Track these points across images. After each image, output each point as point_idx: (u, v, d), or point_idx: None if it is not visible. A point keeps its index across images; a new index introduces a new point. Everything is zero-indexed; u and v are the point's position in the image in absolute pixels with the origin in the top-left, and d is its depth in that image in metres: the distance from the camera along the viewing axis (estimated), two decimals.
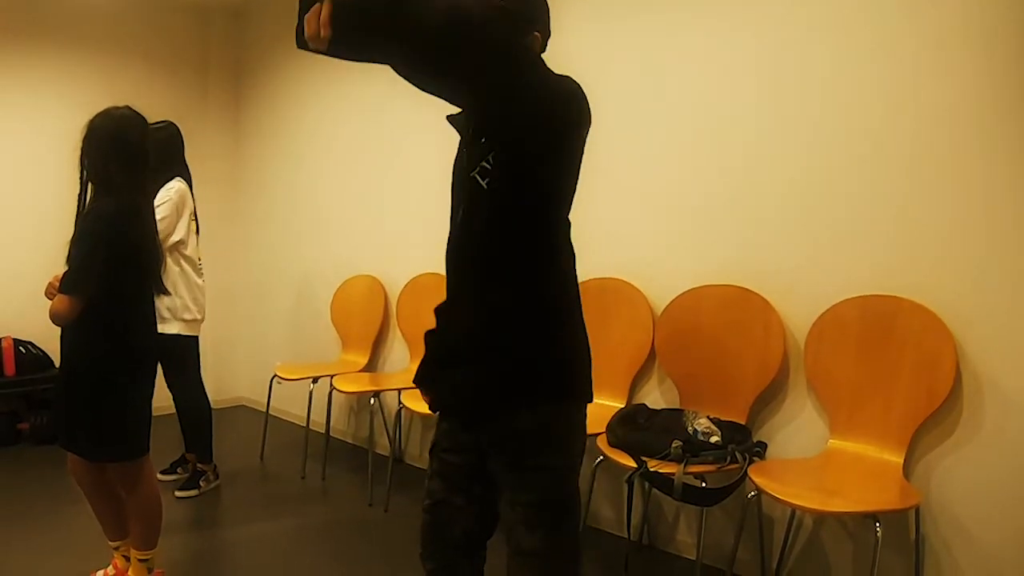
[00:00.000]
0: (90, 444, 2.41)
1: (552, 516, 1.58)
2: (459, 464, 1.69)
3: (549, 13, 1.67)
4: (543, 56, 1.60)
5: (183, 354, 3.62)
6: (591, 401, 1.65)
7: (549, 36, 1.67)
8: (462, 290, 1.61)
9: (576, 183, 1.58)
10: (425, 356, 1.71)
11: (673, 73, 3.00)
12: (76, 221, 2.39)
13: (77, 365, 2.38)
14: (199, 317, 3.66)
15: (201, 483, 3.70)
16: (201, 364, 3.75)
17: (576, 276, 1.63)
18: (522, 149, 1.49)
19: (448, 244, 1.66)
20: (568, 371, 1.61)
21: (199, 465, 3.73)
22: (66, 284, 2.28)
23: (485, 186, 1.51)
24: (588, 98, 1.52)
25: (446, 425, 1.72)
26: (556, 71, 1.50)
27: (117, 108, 2.43)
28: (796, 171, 2.68)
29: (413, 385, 1.76)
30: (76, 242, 2.32)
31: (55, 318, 2.28)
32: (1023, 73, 2.18)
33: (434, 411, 1.72)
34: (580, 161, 1.58)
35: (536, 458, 1.57)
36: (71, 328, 2.34)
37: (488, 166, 1.51)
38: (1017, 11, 2.19)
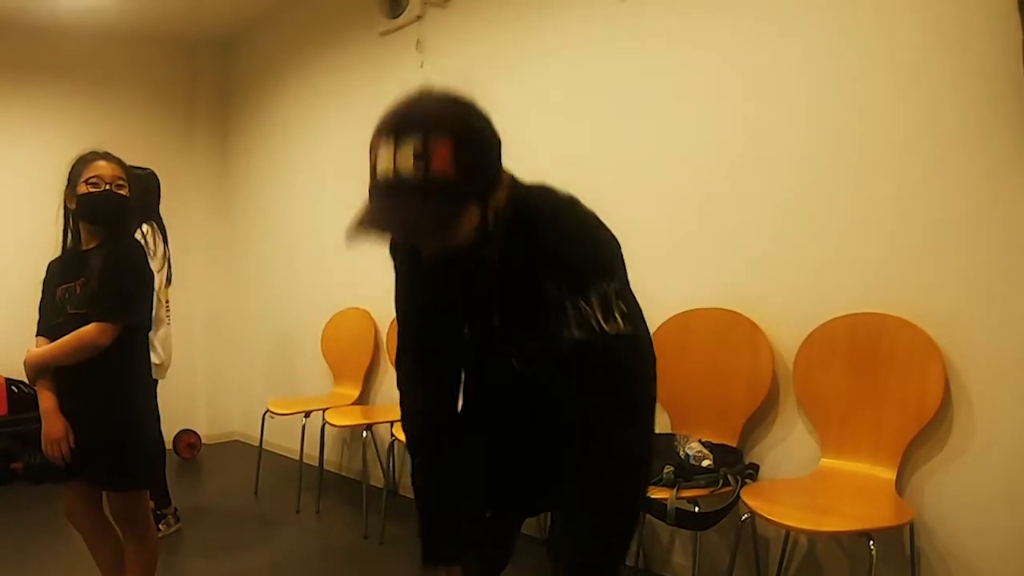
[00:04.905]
0: (113, 471, 2.31)
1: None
2: None
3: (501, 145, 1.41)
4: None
5: None
6: None
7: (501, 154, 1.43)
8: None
9: None
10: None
11: (661, 97, 3.04)
12: (75, 260, 2.35)
13: (104, 388, 2.30)
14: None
15: (161, 526, 3.56)
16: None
17: None
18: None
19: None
20: None
21: (158, 510, 3.59)
22: (109, 312, 2.25)
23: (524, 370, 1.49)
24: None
25: None
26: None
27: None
28: (782, 193, 2.71)
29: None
30: (115, 274, 2.29)
31: (91, 349, 2.23)
32: (1006, 92, 2.20)
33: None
34: None
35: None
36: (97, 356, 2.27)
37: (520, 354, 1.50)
38: (998, 28, 2.21)
